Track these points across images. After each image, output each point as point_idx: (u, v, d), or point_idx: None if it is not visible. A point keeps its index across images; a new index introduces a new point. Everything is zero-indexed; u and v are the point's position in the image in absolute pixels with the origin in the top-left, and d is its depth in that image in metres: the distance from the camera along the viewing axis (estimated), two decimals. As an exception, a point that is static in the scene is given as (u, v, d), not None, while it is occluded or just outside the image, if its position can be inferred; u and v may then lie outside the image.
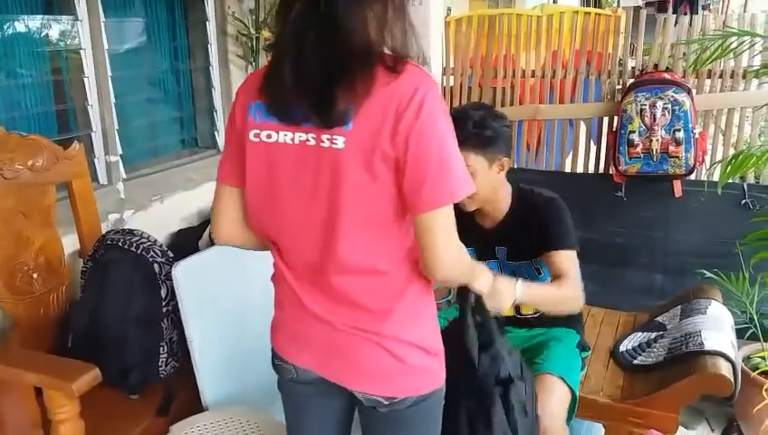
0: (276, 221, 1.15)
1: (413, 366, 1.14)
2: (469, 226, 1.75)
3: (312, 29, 1.00)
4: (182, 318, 1.84)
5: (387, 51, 1.02)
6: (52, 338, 2.00)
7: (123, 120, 2.57)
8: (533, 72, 3.14)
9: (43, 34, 2.35)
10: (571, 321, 1.91)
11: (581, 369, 1.88)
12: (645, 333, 2.13)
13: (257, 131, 1.09)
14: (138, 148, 2.78)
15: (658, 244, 2.94)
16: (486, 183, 1.68)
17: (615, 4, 8.79)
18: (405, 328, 1.13)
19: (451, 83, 3.24)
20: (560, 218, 1.73)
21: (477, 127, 1.63)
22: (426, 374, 1.17)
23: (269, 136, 1.09)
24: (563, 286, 1.67)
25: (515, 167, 3.27)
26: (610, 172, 2.97)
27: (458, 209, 1.76)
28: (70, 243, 2.17)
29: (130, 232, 2.05)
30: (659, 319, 2.17)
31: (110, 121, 2.50)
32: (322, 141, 1.03)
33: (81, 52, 2.38)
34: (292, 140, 1.06)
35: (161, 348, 1.96)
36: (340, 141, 1.02)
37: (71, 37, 2.39)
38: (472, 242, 1.79)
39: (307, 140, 1.05)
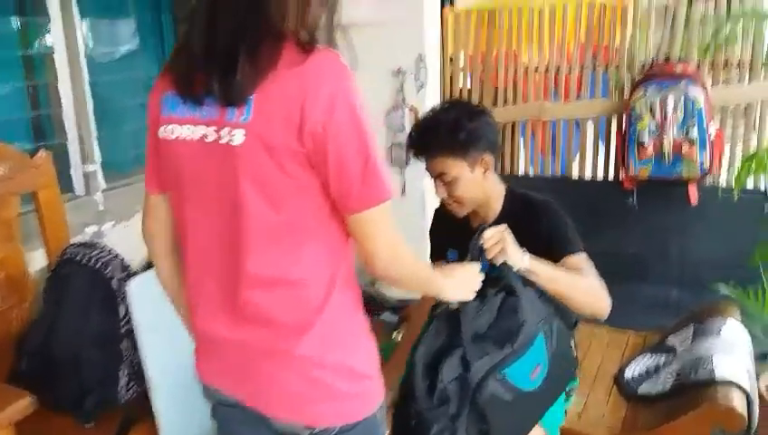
0: (185, 232, 1.05)
1: (338, 391, 1.02)
2: (457, 228, 1.63)
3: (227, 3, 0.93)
4: (136, 338, 1.71)
5: (303, 35, 0.94)
6: (12, 359, 1.89)
7: (107, 127, 2.47)
8: (537, 67, 2.95)
9: (14, 37, 2.25)
10: None
11: (566, 400, 1.70)
12: (654, 357, 1.97)
13: (164, 127, 1.01)
14: (122, 156, 2.68)
15: (673, 255, 2.75)
16: (473, 187, 1.57)
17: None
18: (327, 347, 1.01)
19: (450, 81, 3.07)
20: (561, 224, 1.58)
21: (449, 132, 1.52)
22: (354, 400, 1.04)
23: (172, 131, 1.00)
24: (583, 276, 1.50)
25: (520, 175, 3.08)
26: (620, 178, 2.76)
27: (447, 211, 1.63)
28: (39, 257, 2.08)
29: (91, 245, 1.94)
30: (670, 341, 2.00)
31: (87, 129, 2.40)
32: (221, 138, 0.94)
33: (54, 55, 2.28)
34: (193, 134, 0.97)
35: (121, 371, 1.84)
36: (239, 135, 0.92)
37: (44, 40, 2.30)
38: (459, 245, 1.66)
39: (206, 135, 0.96)
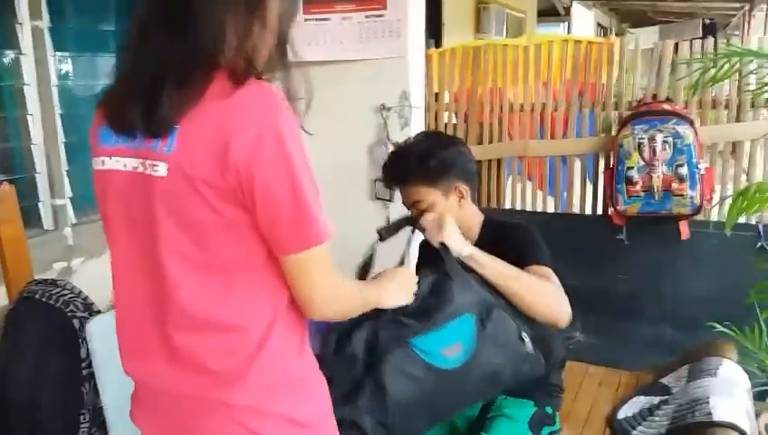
0: (114, 269, 0.99)
1: None
2: (434, 256, 1.55)
3: (160, 28, 0.88)
4: (97, 381, 1.60)
5: (240, 65, 0.89)
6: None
7: (80, 160, 2.38)
8: (522, 105, 2.93)
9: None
10: (534, 387, 1.60)
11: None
12: (647, 398, 1.87)
13: (96, 158, 0.97)
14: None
15: (666, 292, 2.69)
16: (448, 213, 1.53)
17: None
18: (266, 396, 0.93)
19: (435, 118, 3.04)
20: (533, 240, 1.57)
21: (420, 160, 1.53)
22: None
23: (103, 163, 0.95)
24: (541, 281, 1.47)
25: (505, 208, 3.03)
26: (609, 213, 2.71)
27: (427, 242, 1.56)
28: (1, 295, 1.97)
29: (52, 283, 1.84)
30: (664, 381, 1.91)
31: (57, 162, 2.32)
32: (146, 168, 0.89)
33: (25, 88, 2.22)
34: (124, 166, 0.92)
35: (82, 416, 1.72)
36: (162, 169, 0.87)
37: (16, 72, 2.24)
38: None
39: (135, 166, 0.91)
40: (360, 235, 2.66)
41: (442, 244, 1.43)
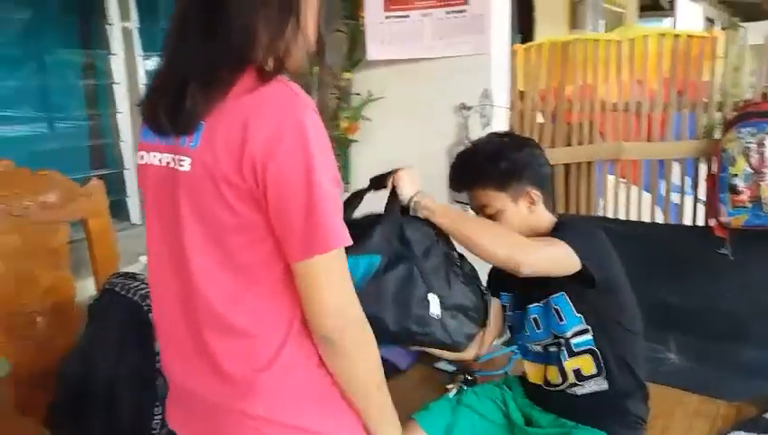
0: (149, 263, 1.00)
1: None
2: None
3: (195, 26, 0.88)
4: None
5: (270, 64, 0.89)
6: (54, 389, 1.85)
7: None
8: (615, 104, 2.73)
9: (79, 69, 2.31)
10: (608, 414, 1.47)
11: None
12: (750, 434, 1.66)
13: (138, 153, 1.00)
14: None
15: (776, 313, 2.40)
16: (517, 221, 1.46)
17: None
18: (284, 408, 0.91)
19: (519, 119, 2.90)
20: (568, 225, 1.47)
21: (489, 160, 1.44)
22: None
23: (142, 157, 0.98)
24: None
25: (595, 214, 2.85)
26: (710, 224, 2.48)
27: None
28: (90, 286, 2.06)
29: (132, 276, 1.89)
30: (769, 414, 1.70)
31: (144, 158, 2.41)
32: (175, 163, 0.90)
33: (115, 86, 2.32)
34: (159, 161, 0.94)
35: (156, 408, 1.75)
36: (186, 164, 0.88)
37: (107, 72, 2.34)
38: (510, 286, 1.57)
39: (169, 162, 0.92)
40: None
41: (393, 189, 1.34)
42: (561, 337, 1.46)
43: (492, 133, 1.61)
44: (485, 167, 1.44)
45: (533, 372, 1.58)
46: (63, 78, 2.25)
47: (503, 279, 1.54)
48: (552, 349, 1.49)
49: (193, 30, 0.88)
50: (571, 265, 1.35)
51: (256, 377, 0.89)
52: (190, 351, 0.94)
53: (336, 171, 0.88)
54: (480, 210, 1.49)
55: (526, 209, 1.46)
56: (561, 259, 1.35)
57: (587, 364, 1.47)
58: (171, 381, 1.03)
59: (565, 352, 1.46)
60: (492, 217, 1.46)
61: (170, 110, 0.87)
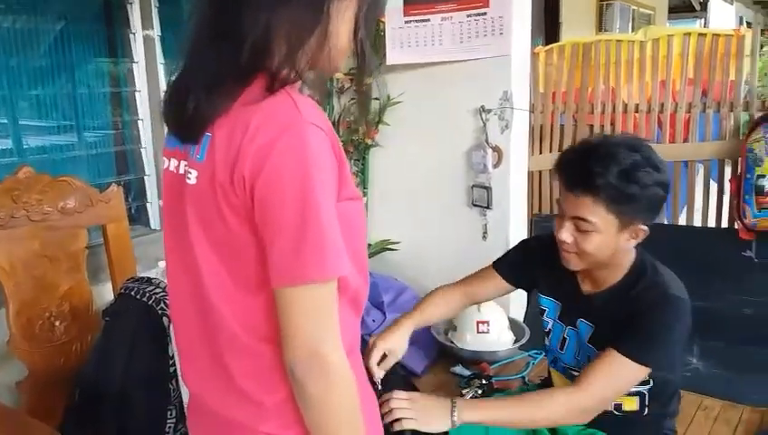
0: (167, 271, 0.96)
1: None
2: (565, 278, 1.41)
3: (210, 32, 0.85)
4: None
5: (286, 73, 0.83)
6: (70, 392, 1.88)
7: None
8: (637, 106, 2.68)
9: (106, 77, 2.36)
10: (640, 432, 1.43)
11: None
12: (774, 441, 1.61)
13: (163, 158, 0.97)
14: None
15: (802, 317, 2.33)
16: (606, 247, 1.28)
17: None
18: (298, 429, 0.86)
19: (540, 121, 2.87)
20: (660, 328, 1.27)
21: (622, 178, 1.21)
22: None
23: (164, 162, 0.95)
24: (554, 394, 1.34)
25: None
26: (735, 226, 2.41)
27: (549, 252, 1.39)
28: (108, 291, 2.09)
29: (148, 280, 1.90)
30: (795, 422, 1.64)
31: (164, 164, 2.44)
32: (186, 173, 0.87)
33: (136, 94, 2.36)
34: (176, 168, 0.90)
35: (169, 412, 1.77)
36: (193, 177, 0.85)
37: (129, 80, 2.38)
38: (561, 298, 1.47)
39: (182, 171, 0.89)
40: (455, 243, 2.58)
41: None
42: None
43: (629, 137, 1.34)
44: (614, 180, 1.21)
45: (563, 384, 1.48)
46: (91, 86, 2.29)
47: (544, 279, 1.48)
48: None
49: (207, 36, 0.84)
50: (639, 380, 1.29)
51: (270, 397, 0.87)
52: (206, 365, 0.91)
53: (353, 188, 0.84)
54: (573, 219, 1.29)
55: (625, 242, 1.28)
56: (625, 387, 1.29)
57: (629, 402, 1.38)
58: (189, 390, 1.01)
59: None
60: (579, 231, 1.28)
61: (178, 117, 0.86)
